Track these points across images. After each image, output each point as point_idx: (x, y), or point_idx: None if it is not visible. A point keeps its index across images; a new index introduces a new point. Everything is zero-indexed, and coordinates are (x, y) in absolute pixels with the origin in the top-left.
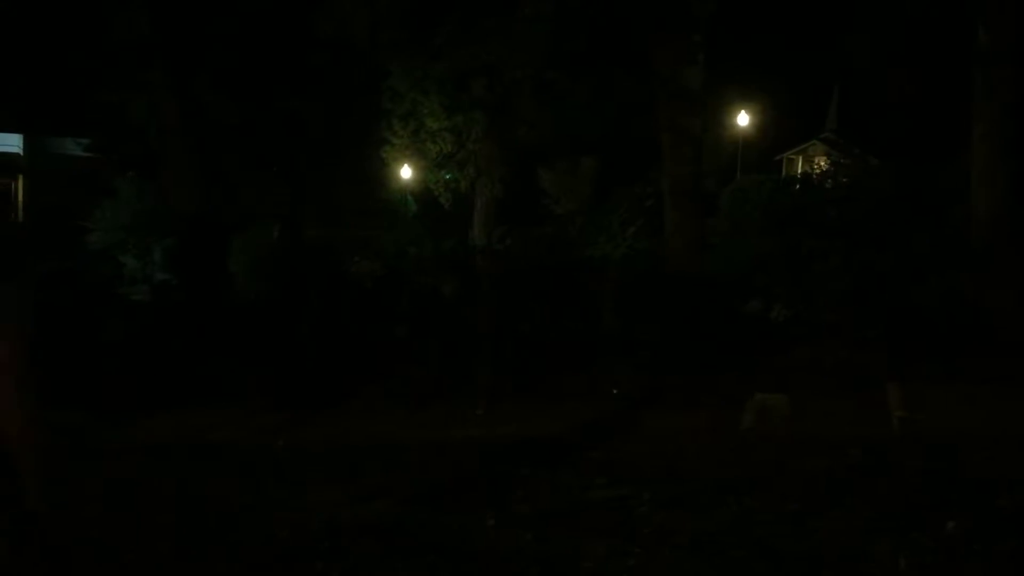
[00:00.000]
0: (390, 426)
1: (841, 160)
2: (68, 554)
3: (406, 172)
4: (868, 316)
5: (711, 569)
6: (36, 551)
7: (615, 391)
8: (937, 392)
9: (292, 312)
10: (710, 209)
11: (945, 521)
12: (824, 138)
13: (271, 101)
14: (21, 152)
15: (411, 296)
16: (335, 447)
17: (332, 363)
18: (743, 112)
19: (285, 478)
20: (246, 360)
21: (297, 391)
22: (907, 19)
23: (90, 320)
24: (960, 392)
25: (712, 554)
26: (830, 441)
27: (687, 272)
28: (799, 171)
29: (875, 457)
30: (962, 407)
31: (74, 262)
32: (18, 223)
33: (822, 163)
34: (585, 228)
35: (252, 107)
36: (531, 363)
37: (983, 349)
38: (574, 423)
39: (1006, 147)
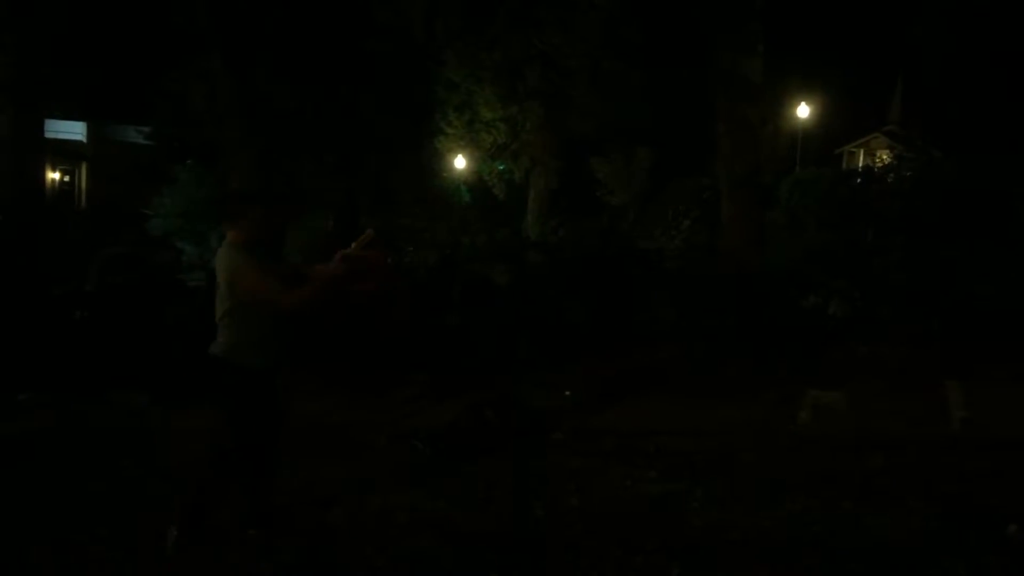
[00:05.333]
0: (434, 413)
1: (904, 153)
2: None
3: (460, 162)
4: (930, 313)
5: (764, 566)
6: None
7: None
8: (1000, 392)
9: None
10: (768, 202)
11: (1007, 524)
12: (887, 131)
13: (328, 89)
14: (85, 140)
15: (464, 286)
16: (376, 433)
17: (382, 350)
18: (803, 103)
19: (335, 464)
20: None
21: (344, 378)
22: (976, 8)
23: (149, 305)
24: None
25: (766, 551)
26: (888, 440)
27: (743, 265)
28: (860, 164)
29: (935, 457)
30: None
31: (134, 248)
32: (82, 209)
33: (884, 156)
34: (640, 220)
35: (309, 95)
36: (582, 354)
37: None
38: (627, 416)
39: None
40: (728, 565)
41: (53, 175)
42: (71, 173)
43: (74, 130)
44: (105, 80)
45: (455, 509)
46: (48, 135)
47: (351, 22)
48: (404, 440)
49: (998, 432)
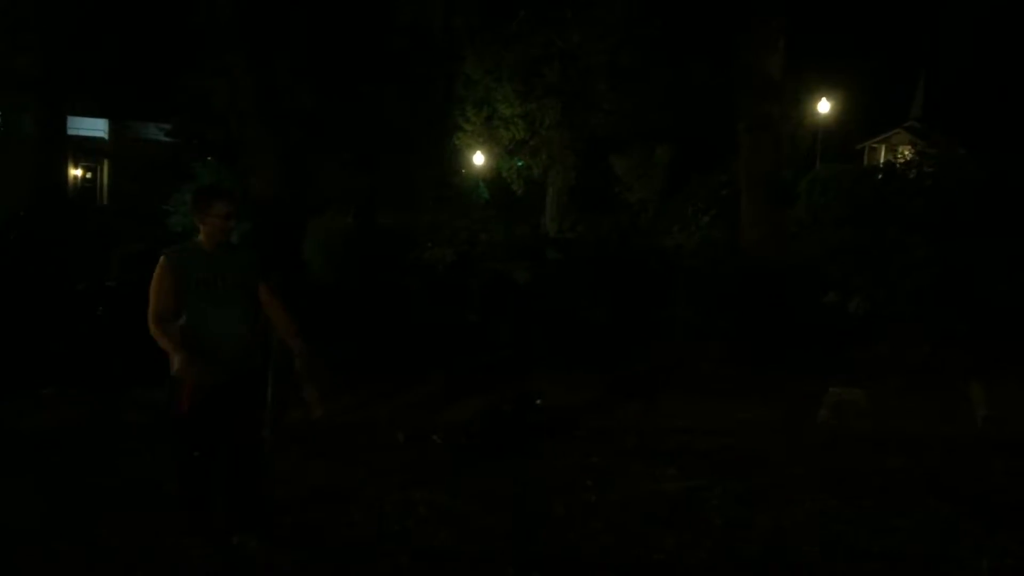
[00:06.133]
0: (453, 411)
1: (927, 149)
2: None
3: (479, 159)
4: (952, 311)
5: (784, 565)
6: None
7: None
8: None
9: (363, 297)
10: (788, 198)
11: None
12: (908, 126)
13: (348, 87)
14: (106, 137)
15: (482, 283)
16: (395, 430)
17: (401, 348)
18: (823, 99)
19: (354, 460)
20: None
21: (362, 375)
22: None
23: None
24: None
25: (786, 549)
26: (910, 439)
27: (763, 262)
28: (881, 160)
29: (957, 456)
30: None
31: (155, 244)
32: (103, 206)
33: (906, 152)
34: (658, 217)
35: (330, 93)
36: (601, 351)
37: None
38: (646, 413)
39: None
40: (748, 563)
41: (75, 172)
42: (93, 170)
43: (96, 127)
44: (127, 77)
45: (474, 505)
46: (70, 132)
47: (371, 20)
48: (423, 437)
49: (1021, 431)
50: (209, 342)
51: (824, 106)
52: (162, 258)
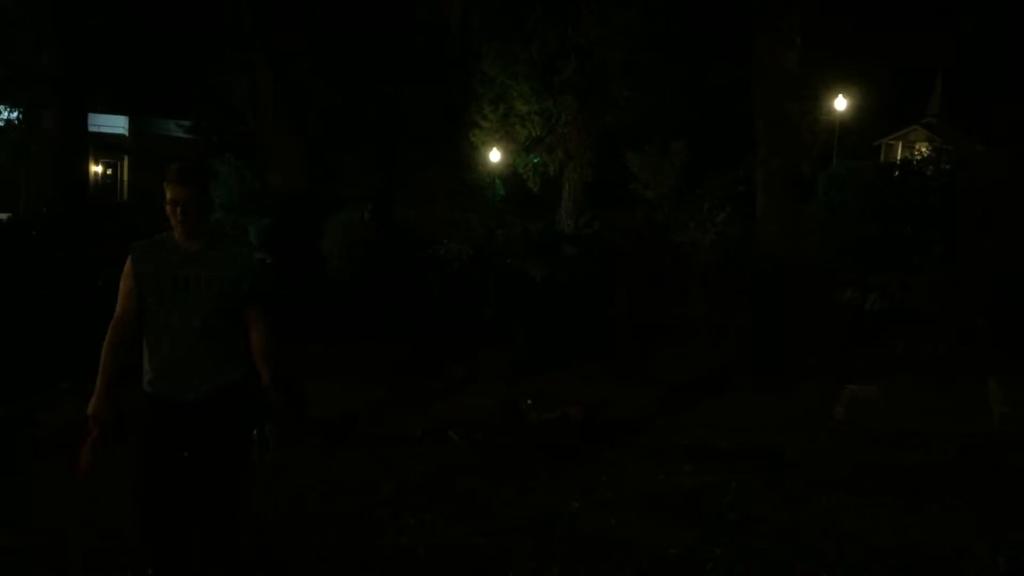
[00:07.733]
0: (469, 406)
1: (944, 146)
2: None
3: (495, 155)
4: (969, 308)
5: (800, 561)
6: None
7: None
8: None
9: (380, 292)
10: (804, 195)
11: None
12: (926, 123)
13: (367, 84)
14: (127, 134)
15: (498, 278)
16: (411, 425)
17: (418, 343)
18: (841, 96)
19: (372, 454)
20: (331, 339)
21: (379, 370)
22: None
23: None
24: None
25: (801, 546)
26: (926, 436)
27: (779, 259)
28: (898, 157)
29: (974, 453)
30: None
31: None
32: (123, 202)
33: (923, 149)
34: (674, 213)
35: (348, 90)
36: (616, 347)
37: None
38: (661, 409)
39: None
40: (763, 559)
41: (96, 168)
42: (113, 166)
43: (116, 124)
44: (147, 75)
45: (492, 499)
46: (91, 129)
47: (390, 18)
48: (440, 432)
49: None
50: (170, 354)
51: (841, 103)
52: (128, 256)
